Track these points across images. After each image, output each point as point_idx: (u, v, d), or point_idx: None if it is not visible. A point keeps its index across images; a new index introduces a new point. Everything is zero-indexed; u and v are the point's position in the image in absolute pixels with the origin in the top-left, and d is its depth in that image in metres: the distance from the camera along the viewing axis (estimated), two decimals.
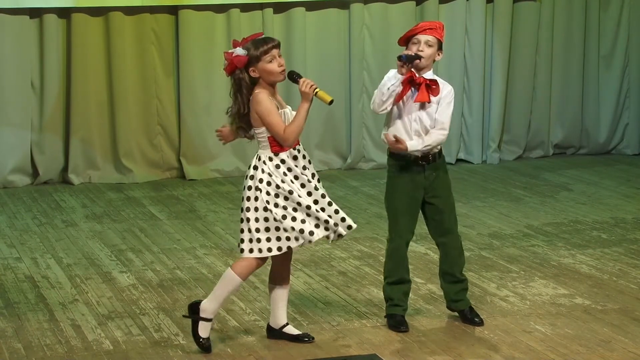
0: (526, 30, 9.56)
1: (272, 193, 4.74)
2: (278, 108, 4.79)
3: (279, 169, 4.76)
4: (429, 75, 5.05)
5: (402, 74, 4.96)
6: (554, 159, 9.68)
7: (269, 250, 4.76)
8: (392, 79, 4.98)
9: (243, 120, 4.81)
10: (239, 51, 4.77)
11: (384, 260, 6.10)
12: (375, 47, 9.25)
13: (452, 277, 5.24)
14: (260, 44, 4.76)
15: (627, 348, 4.93)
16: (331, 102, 4.78)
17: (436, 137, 5.04)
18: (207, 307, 4.84)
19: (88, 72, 8.69)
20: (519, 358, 4.82)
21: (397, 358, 4.83)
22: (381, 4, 9.23)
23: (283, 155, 4.77)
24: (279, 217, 4.73)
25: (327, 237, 4.81)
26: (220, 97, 8.93)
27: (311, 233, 4.75)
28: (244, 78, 4.77)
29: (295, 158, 4.79)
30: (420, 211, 5.19)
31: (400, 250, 5.15)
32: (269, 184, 4.75)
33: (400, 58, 4.96)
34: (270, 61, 4.75)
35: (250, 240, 4.76)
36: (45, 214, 7.70)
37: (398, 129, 5.06)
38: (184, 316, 4.98)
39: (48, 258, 6.52)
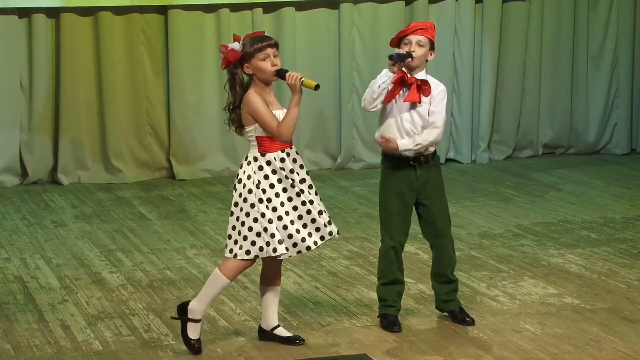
0: (515, 30, 9.58)
1: (257, 196, 4.73)
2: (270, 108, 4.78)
3: (262, 171, 4.75)
4: (421, 75, 5.06)
5: (393, 72, 4.97)
6: (543, 159, 9.70)
7: (247, 252, 4.74)
8: (384, 77, 4.99)
9: (236, 114, 4.81)
10: (235, 46, 4.78)
11: (375, 260, 6.11)
12: (365, 47, 9.25)
13: (443, 277, 5.25)
14: (256, 42, 4.76)
15: (617, 347, 4.94)
16: (317, 86, 4.74)
17: (427, 135, 5.04)
18: (195, 307, 4.84)
19: (77, 72, 8.67)
20: (508, 357, 4.83)
21: (387, 358, 4.83)
22: (371, 3, 9.23)
23: (270, 156, 4.76)
24: (262, 221, 4.72)
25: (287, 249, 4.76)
26: (210, 97, 8.93)
27: (274, 250, 4.74)
28: (237, 73, 4.78)
29: (282, 160, 4.77)
30: (415, 212, 5.19)
31: (393, 251, 5.15)
32: (255, 185, 4.74)
33: (391, 57, 4.97)
34: (264, 59, 4.74)
35: (235, 242, 4.76)
36: (35, 214, 7.68)
37: (390, 128, 5.07)
38: (172, 317, 4.97)
39: (37, 258, 6.50)
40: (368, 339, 5.05)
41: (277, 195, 4.73)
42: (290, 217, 4.75)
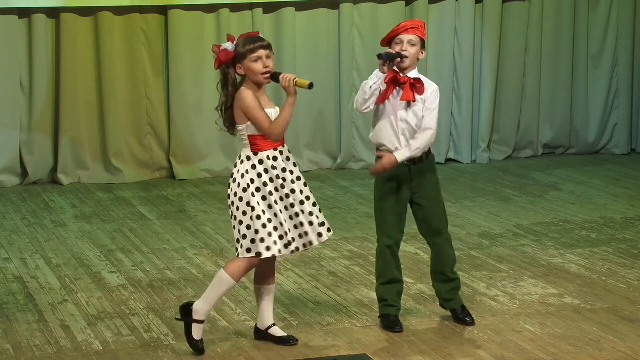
0: (515, 30, 9.58)
1: (251, 195, 4.74)
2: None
3: (255, 169, 4.75)
4: (413, 74, 5.05)
5: (383, 72, 4.97)
6: (543, 159, 9.70)
7: (248, 250, 4.73)
8: (374, 77, 4.98)
9: (228, 114, 4.81)
10: (227, 45, 4.78)
11: (374, 260, 6.11)
12: (365, 47, 9.25)
13: (443, 276, 5.25)
14: (249, 42, 4.76)
15: (616, 347, 4.94)
16: (310, 85, 4.71)
17: (422, 139, 5.03)
18: (199, 308, 4.83)
19: (77, 72, 8.68)
20: (508, 357, 4.83)
21: (386, 358, 4.84)
22: (371, 3, 9.23)
23: (262, 155, 4.76)
24: (257, 221, 4.72)
25: (280, 251, 4.76)
26: (210, 96, 8.91)
27: (267, 248, 4.73)
28: (229, 73, 4.78)
29: (274, 159, 4.77)
30: (410, 211, 5.20)
31: (389, 250, 5.15)
32: (247, 184, 4.74)
33: (379, 56, 4.96)
34: (255, 60, 4.74)
35: (237, 241, 4.76)
36: (34, 214, 7.69)
37: (386, 129, 5.06)
38: (176, 319, 4.97)
39: (37, 258, 6.51)
40: (368, 339, 5.06)
41: (270, 193, 4.73)
42: (279, 218, 4.74)
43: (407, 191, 5.11)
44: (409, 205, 5.19)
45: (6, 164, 8.63)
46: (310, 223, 4.81)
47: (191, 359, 4.84)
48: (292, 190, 4.78)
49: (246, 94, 4.73)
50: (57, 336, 5.12)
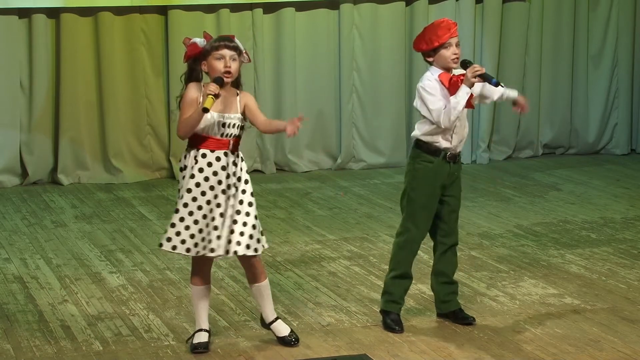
0: (515, 31, 9.58)
1: (181, 190, 4.81)
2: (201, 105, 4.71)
3: (180, 162, 4.85)
4: (458, 72, 5.07)
5: (470, 88, 4.94)
6: (543, 159, 9.70)
7: (182, 249, 4.78)
8: (464, 95, 4.91)
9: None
10: (198, 40, 4.79)
11: (375, 260, 6.11)
12: (365, 47, 9.26)
13: (445, 277, 5.24)
14: (215, 41, 4.76)
15: (616, 347, 4.94)
16: (204, 109, 4.62)
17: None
18: (196, 321, 4.94)
19: (77, 72, 8.68)
20: (508, 358, 4.83)
21: (386, 358, 4.83)
22: (371, 4, 9.23)
23: (189, 152, 4.78)
24: (175, 216, 4.79)
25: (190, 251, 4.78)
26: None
27: (174, 247, 4.78)
28: (194, 69, 4.79)
29: (196, 162, 4.75)
30: None
31: (414, 243, 5.15)
32: (182, 177, 4.83)
33: (491, 82, 4.93)
34: (218, 59, 4.72)
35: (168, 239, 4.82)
36: (35, 214, 7.69)
37: (448, 131, 5.04)
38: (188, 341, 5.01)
39: (37, 259, 6.50)
40: (368, 339, 5.06)
41: (188, 191, 4.77)
42: (193, 218, 4.77)
43: (441, 189, 5.13)
44: None
45: (6, 164, 8.63)
46: (242, 234, 4.76)
47: (191, 358, 4.84)
48: (215, 196, 4.76)
49: (189, 88, 4.79)
50: (57, 336, 5.12)
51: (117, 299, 5.69)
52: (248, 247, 4.78)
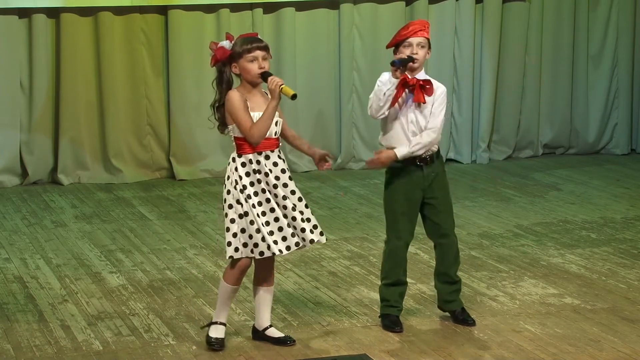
0: (515, 31, 9.58)
1: (234, 197, 4.76)
2: (250, 108, 4.75)
3: (237, 172, 4.76)
4: (421, 75, 5.06)
5: (396, 78, 4.97)
6: (543, 159, 9.70)
7: (236, 250, 4.75)
8: (387, 83, 4.97)
9: (220, 112, 4.83)
10: (225, 44, 4.79)
11: (375, 260, 6.11)
12: (365, 47, 9.26)
13: (447, 277, 5.25)
14: (246, 42, 4.76)
15: (617, 347, 4.94)
16: (293, 96, 4.68)
17: (425, 137, 5.04)
18: (216, 313, 4.93)
19: (77, 72, 8.68)
20: (508, 358, 4.83)
21: (386, 358, 4.83)
22: (371, 4, 9.23)
23: (245, 157, 4.76)
24: (240, 222, 4.74)
25: (260, 253, 4.76)
26: (210, 97, 8.84)
27: (252, 251, 4.75)
28: (225, 72, 4.79)
29: (258, 162, 4.76)
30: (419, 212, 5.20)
31: (398, 251, 5.15)
32: (233, 186, 4.76)
33: (393, 63, 4.96)
34: (252, 61, 4.73)
35: (229, 244, 4.77)
36: (35, 214, 7.69)
37: (396, 132, 5.05)
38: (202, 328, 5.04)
39: (37, 259, 6.51)
40: (368, 339, 5.06)
41: (249, 197, 4.73)
42: (261, 220, 4.73)
43: (419, 192, 5.11)
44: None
45: (6, 164, 8.63)
46: (295, 227, 4.78)
47: (191, 358, 4.84)
48: (275, 195, 4.76)
49: (233, 95, 4.75)
50: (57, 336, 5.12)
51: (117, 299, 5.69)
52: (322, 233, 4.85)
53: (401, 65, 4.96)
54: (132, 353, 4.90)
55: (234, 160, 4.80)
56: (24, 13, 8.55)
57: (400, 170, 5.09)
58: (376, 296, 5.57)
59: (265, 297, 4.95)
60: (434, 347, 4.96)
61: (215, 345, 4.88)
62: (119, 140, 8.81)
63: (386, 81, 4.99)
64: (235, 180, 4.76)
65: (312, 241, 4.83)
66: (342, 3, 9.18)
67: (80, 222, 7.45)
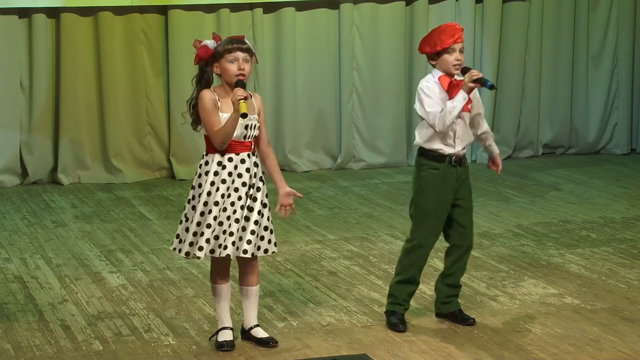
0: (515, 31, 9.58)
1: (192, 195, 4.80)
2: (221, 110, 4.73)
3: (200, 168, 4.80)
4: (459, 77, 5.07)
5: (468, 94, 4.93)
6: (543, 159, 9.71)
7: (200, 249, 4.78)
8: (462, 100, 4.91)
9: (195, 110, 4.83)
10: (208, 43, 4.78)
11: (375, 260, 6.11)
12: (365, 47, 9.26)
13: (453, 280, 5.23)
14: (228, 43, 4.74)
15: (617, 347, 4.94)
16: (243, 115, 4.61)
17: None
18: (218, 320, 4.96)
19: (77, 72, 8.68)
20: (508, 357, 4.83)
21: (386, 358, 4.83)
22: (371, 4, 9.23)
23: (210, 157, 4.78)
24: (189, 222, 4.79)
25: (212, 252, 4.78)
26: None
27: (200, 248, 4.77)
28: (206, 71, 4.78)
29: (220, 165, 4.75)
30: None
31: (420, 250, 5.12)
32: (198, 184, 4.80)
33: (485, 85, 4.92)
34: (232, 62, 4.71)
35: (177, 236, 4.87)
36: (35, 214, 7.69)
37: (442, 134, 5.02)
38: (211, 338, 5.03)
39: (37, 258, 6.51)
40: (368, 339, 5.06)
41: (209, 194, 4.75)
42: (215, 221, 4.75)
43: (451, 194, 5.09)
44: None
45: (6, 164, 8.63)
46: (252, 232, 4.78)
47: (191, 358, 4.84)
48: (239, 198, 4.75)
49: (203, 95, 4.75)
50: (57, 336, 5.12)
51: (117, 299, 5.69)
52: (259, 248, 4.81)
53: (481, 83, 4.94)
54: (132, 353, 4.91)
55: (202, 157, 4.83)
56: (24, 13, 8.55)
57: (436, 170, 5.06)
58: (376, 296, 5.58)
59: (248, 297, 4.93)
60: (434, 347, 4.96)
61: (226, 347, 4.87)
62: (119, 140, 8.82)
63: (461, 99, 4.91)
64: (199, 179, 4.79)
65: (266, 251, 4.84)
66: (342, 3, 9.18)
67: (80, 222, 7.45)
